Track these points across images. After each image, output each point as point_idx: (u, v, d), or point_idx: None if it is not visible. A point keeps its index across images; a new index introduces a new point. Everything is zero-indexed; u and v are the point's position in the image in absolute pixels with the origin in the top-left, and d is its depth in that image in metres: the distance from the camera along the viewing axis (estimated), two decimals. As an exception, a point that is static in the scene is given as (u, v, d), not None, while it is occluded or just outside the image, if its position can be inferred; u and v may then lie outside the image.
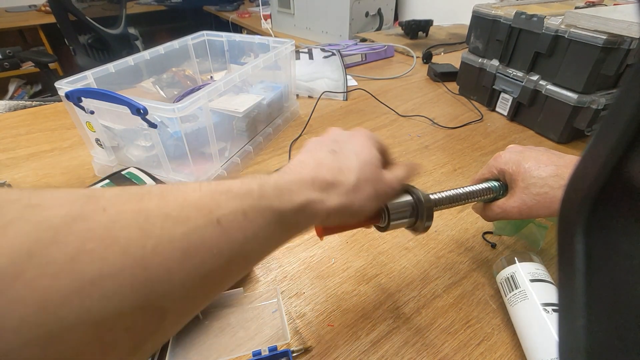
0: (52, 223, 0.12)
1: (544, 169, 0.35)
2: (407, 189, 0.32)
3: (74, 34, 1.80)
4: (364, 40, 1.30)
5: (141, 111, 0.45)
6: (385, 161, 0.31)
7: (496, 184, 0.38)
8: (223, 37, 0.77)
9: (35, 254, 0.12)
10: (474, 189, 0.37)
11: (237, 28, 2.15)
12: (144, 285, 0.14)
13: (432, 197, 0.33)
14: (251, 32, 1.95)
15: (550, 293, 0.33)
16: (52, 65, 2.18)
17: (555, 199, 0.33)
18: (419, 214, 0.31)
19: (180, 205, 0.16)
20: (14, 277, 0.11)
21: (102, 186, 0.46)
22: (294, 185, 0.22)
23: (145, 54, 0.63)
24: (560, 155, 0.37)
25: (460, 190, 0.36)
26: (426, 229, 0.32)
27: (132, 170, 0.49)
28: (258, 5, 2.04)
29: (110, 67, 0.57)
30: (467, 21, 0.84)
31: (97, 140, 0.55)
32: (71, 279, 0.12)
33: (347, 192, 0.24)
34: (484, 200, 0.39)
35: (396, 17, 1.69)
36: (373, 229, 0.33)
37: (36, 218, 0.12)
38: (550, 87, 0.65)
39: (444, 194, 0.34)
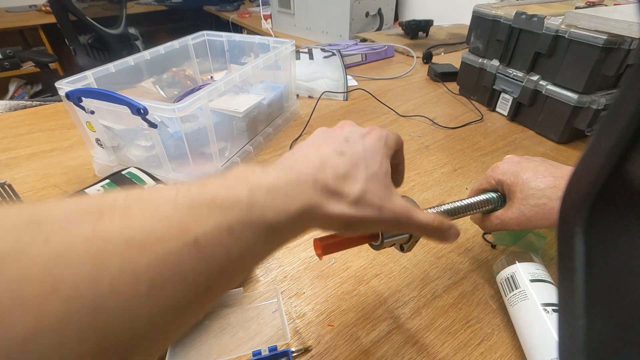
0: None
1: (542, 180, 0.35)
2: None
3: (74, 34, 1.80)
4: (364, 40, 1.30)
5: (141, 111, 0.45)
6: (397, 162, 0.30)
7: (494, 195, 0.38)
8: (223, 37, 0.77)
9: None
10: (473, 201, 0.37)
11: (237, 28, 2.15)
12: (97, 333, 0.11)
13: (429, 211, 0.33)
14: (251, 32, 1.95)
15: (550, 293, 0.33)
16: (52, 65, 2.18)
17: (553, 210, 0.33)
18: (413, 235, 0.30)
19: (149, 225, 0.13)
20: None
21: (102, 186, 0.46)
22: (292, 187, 0.19)
23: (146, 54, 0.63)
24: (557, 165, 0.37)
25: (459, 203, 0.35)
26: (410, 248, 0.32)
27: (133, 170, 0.49)
28: (258, 5, 2.04)
29: (111, 67, 0.57)
30: (467, 21, 0.84)
31: (98, 140, 0.55)
32: None
33: (350, 205, 0.21)
34: (483, 212, 0.38)
35: (396, 17, 1.69)
36: None
37: None
38: (551, 87, 0.65)
39: (442, 208, 0.34)
